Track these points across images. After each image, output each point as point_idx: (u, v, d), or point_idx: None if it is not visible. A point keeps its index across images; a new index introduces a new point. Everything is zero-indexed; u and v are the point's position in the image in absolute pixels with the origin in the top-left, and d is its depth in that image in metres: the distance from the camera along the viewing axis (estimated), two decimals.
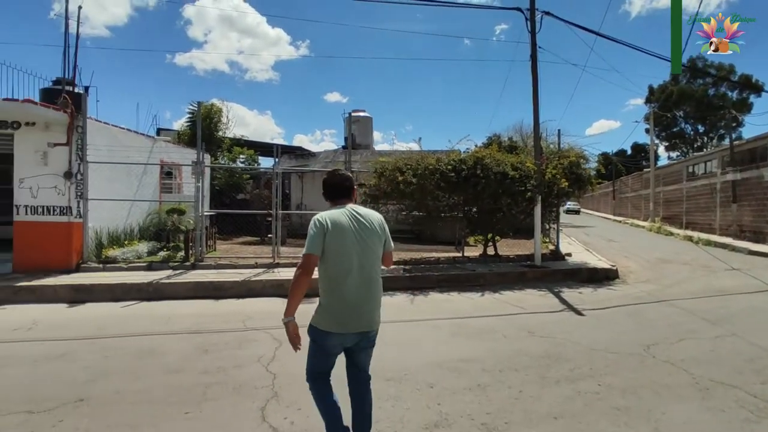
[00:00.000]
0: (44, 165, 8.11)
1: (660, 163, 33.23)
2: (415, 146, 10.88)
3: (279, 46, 65.44)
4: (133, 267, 8.35)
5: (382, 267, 2.71)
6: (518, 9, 9.56)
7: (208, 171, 12.56)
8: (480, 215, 9.97)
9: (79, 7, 9.98)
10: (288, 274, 8.04)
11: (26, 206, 8.08)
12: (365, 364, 2.70)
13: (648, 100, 45.89)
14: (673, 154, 46.96)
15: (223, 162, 16.78)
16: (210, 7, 57.59)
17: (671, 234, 20.44)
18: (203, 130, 9.42)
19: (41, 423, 3.16)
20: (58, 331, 5.32)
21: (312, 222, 2.51)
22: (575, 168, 9.91)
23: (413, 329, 5.60)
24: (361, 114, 16.69)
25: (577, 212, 42.69)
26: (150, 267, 8.41)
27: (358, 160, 12.16)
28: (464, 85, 71.23)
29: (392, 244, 2.77)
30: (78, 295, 6.92)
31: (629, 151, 52.69)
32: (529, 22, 9.49)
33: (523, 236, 13.26)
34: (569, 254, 11.00)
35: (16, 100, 7.67)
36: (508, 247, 11.99)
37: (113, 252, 8.91)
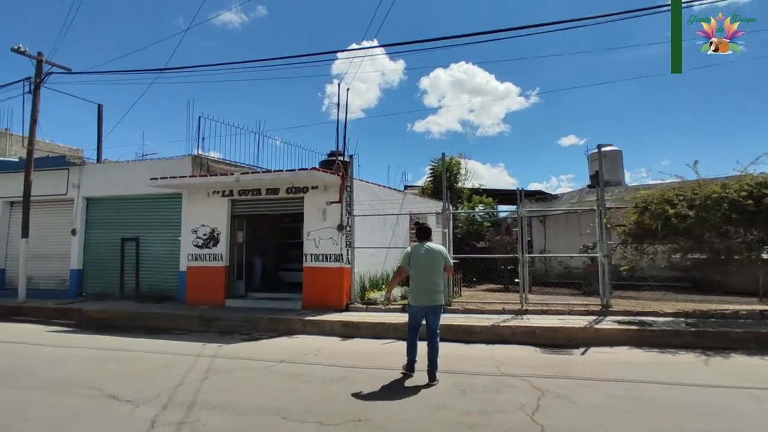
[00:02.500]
0: (323, 220, 9.81)
1: None
2: (674, 181, 8.85)
3: (509, 99, 66.67)
4: (389, 309, 9.08)
5: None
6: None
7: (450, 219, 13.15)
8: None
9: (347, 97, 12.37)
10: (538, 321, 7.48)
11: (312, 254, 9.84)
12: (434, 323, 5.15)
13: None
14: None
15: (462, 211, 17.40)
16: (443, 76, 63.59)
17: None
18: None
19: None
20: (335, 359, 6.07)
21: (404, 252, 5.46)
22: None
23: (715, 397, 4.32)
24: (609, 148, 14.91)
25: None
26: (404, 309, 9.00)
27: (609, 198, 10.74)
28: (742, 96, 57.55)
29: (451, 262, 5.52)
30: (347, 330, 7.88)
31: None
32: None
33: None
34: None
35: (306, 169, 9.62)
36: None
37: (373, 294, 9.95)
